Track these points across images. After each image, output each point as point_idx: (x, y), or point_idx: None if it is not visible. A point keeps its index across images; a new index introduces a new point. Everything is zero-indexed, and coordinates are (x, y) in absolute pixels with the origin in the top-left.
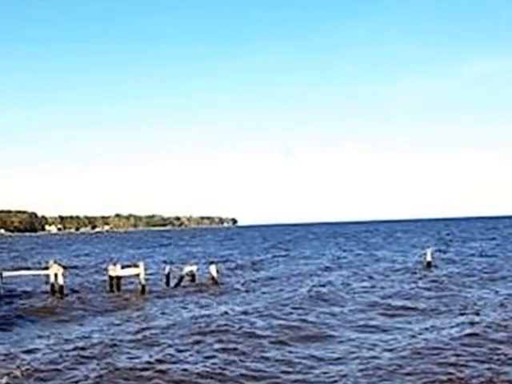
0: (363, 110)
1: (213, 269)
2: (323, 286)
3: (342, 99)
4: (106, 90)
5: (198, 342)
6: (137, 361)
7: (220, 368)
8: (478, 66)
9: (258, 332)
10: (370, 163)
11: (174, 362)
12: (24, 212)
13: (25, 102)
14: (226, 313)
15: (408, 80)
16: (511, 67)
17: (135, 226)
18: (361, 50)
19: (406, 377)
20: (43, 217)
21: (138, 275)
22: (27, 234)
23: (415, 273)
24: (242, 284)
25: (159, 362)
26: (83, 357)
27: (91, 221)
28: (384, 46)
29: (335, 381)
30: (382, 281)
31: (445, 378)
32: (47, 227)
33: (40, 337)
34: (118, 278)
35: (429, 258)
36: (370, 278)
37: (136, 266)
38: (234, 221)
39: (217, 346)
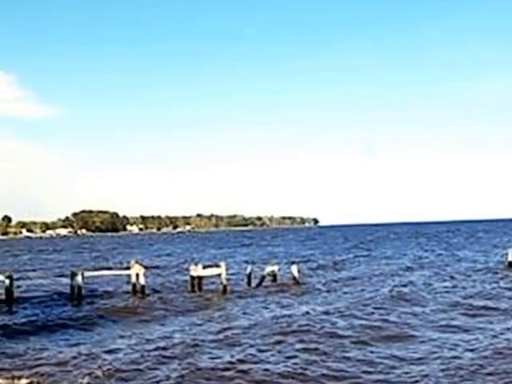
0: (444, 109)
1: (294, 269)
2: (405, 286)
3: (422, 99)
4: (187, 89)
5: (279, 342)
6: (218, 361)
7: (301, 368)
8: None
9: (340, 332)
10: (452, 163)
11: (256, 362)
12: (106, 212)
13: (107, 102)
14: (308, 313)
15: (489, 79)
16: None
17: (217, 225)
18: (441, 50)
19: (488, 377)
20: (125, 217)
21: (219, 275)
22: (109, 234)
23: (497, 273)
24: (324, 284)
25: (241, 362)
26: (165, 357)
27: (173, 221)
28: (465, 45)
29: (417, 381)
30: (463, 281)
31: None
32: (129, 227)
33: (121, 337)
34: (200, 278)
35: (510, 258)
36: (452, 278)
37: (217, 266)
38: (316, 221)
39: (298, 346)
